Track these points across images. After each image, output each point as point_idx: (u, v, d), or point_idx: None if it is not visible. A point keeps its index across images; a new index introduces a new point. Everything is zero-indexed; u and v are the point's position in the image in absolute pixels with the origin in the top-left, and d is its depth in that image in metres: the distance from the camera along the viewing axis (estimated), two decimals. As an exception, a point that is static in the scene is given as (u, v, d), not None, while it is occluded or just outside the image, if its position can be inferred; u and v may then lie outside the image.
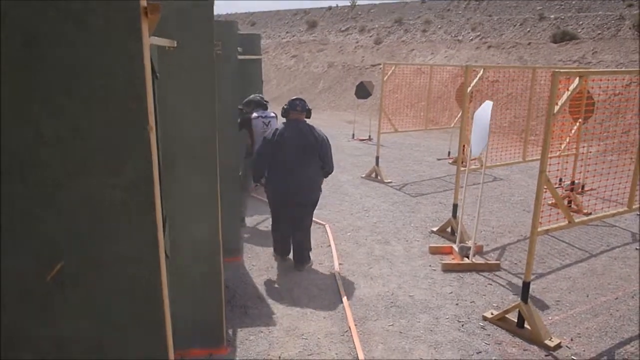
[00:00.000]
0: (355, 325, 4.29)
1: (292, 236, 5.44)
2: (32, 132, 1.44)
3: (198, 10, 3.21)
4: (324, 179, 5.47)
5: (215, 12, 3.32)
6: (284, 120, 5.31)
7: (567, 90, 4.08)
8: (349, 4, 31.16)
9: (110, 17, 1.42)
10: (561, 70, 3.93)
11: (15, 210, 1.50)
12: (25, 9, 1.38)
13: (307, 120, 5.31)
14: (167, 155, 3.26)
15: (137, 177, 1.54)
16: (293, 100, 5.29)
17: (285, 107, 5.29)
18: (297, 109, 5.20)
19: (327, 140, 5.29)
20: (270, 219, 5.68)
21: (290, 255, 5.55)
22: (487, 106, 5.20)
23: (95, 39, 1.43)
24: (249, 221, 6.91)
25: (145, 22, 1.45)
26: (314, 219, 6.38)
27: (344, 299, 4.72)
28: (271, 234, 5.69)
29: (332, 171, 5.43)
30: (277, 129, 5.21)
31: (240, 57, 5.90)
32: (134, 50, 1.44)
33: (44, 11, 1.39)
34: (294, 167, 5.09)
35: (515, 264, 5.69)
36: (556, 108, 3.89)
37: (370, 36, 25.32)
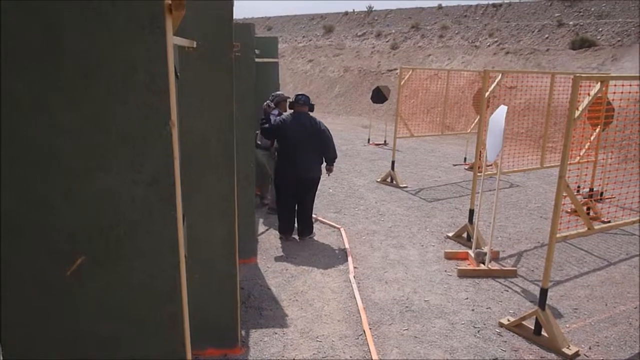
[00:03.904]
0: (370, 329, 4.27)
1: (298, 212, 6.36)
2: (49, 123, 1.45)
3: (217, 11, 3.22)
4: (331, 172, 6.57)
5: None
6: (291, 111, 6.27)
7: (588, 95, 4.03)
8: (366, 10, 31.17)
9: (134, 13, 1.42)
10: (582, 75, 3.88)
11: (34, 203, 1.51)
12: (48, 1, 1.39)
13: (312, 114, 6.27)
14: (184, 154, 3.27)
15: (157, 173, 1.54)
16: (297, 95, 6.27)
17: (291, 101, 6.31)
18: (299, 102, 6.14)
19: (328, 130, 6.23)
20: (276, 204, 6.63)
21: (294, 235, 6.41)
22: (501, 111, 5.15)
23: (118, 34, 1.43)
24: (262, 227, 6.93)
25: (170, 19, 1.45)
26: (329, 222, 7.10)
27: (359, 302, 4.70)
28: (277, 216, 6.53)
29: (335, 156, 6.35)
30: (283, 117, 6.19)
31: (257, 59, 5.93)
32: (158, 47, 1.45)
33: (68, 5, 1.40)
34: (297, 150, 6.03)
35: (532, 270, 5.62)
36: (577, 113, 3.84)
37: (387, 41, 25.30)
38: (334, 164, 6.46)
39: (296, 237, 6.41)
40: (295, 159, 6.04)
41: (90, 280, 1.60)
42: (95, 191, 1.53)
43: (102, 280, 1.60)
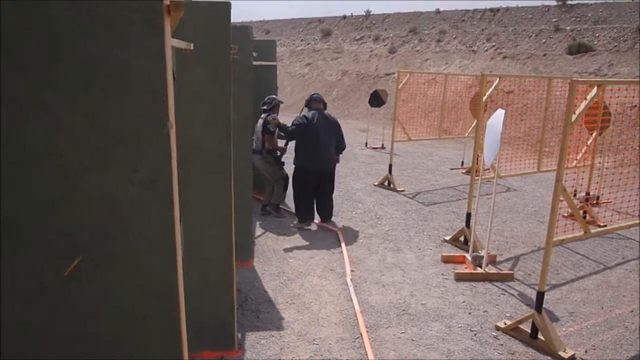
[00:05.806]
0: (367, 332, 4.27)
1: (318, 200, 7.02)
2: (48, 123, 1.45)
3: (215, 12, 3.23)
4: (337, 162, 7.21)
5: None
6: (307, 109, 6.91)
7: (585, 99, 4.04)
8: (364, 13, 31.23)
9: (133, 13, 1.43)
10: (579, 80, 3.90)
11: (32, 203, 1.51)
12: (47, 1, 1.39)
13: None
14: (180, 156, 3.27)
15: (155, 174, 1.55)
16: (312, 94, 7.04)
17: (307, 99, 6.96)
18: (316, 100, 6.88)
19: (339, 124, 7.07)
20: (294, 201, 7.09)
21: (310, 227, 7.00)
22: (499, 114, 5.16)
23: (117, 35, 1.44)
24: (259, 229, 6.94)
25: (168, 20, 1.46)
26: (326, 225, 7.20)
27: (356, 305, 4.69)
28: (295, 208, 7.06)
29: (345, 147, 7.16)
30: (306, 115, 6.73)
31: (255, 62, 5.93)
32: (156, 47, 1.46)
33: (67, 5, 1.40)
34: (321, 144, 6.67)
35: (529, 274, 5.63)
36: (573, 117, 3.86)
37: (385, 45, 25.36)
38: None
39: (312, 227, 7.01)
40: (319, 152, 6.67)
41: (88, 281, 1.60)
42: (92, 191, 1.53)
43: (99, 280, 1.60)
